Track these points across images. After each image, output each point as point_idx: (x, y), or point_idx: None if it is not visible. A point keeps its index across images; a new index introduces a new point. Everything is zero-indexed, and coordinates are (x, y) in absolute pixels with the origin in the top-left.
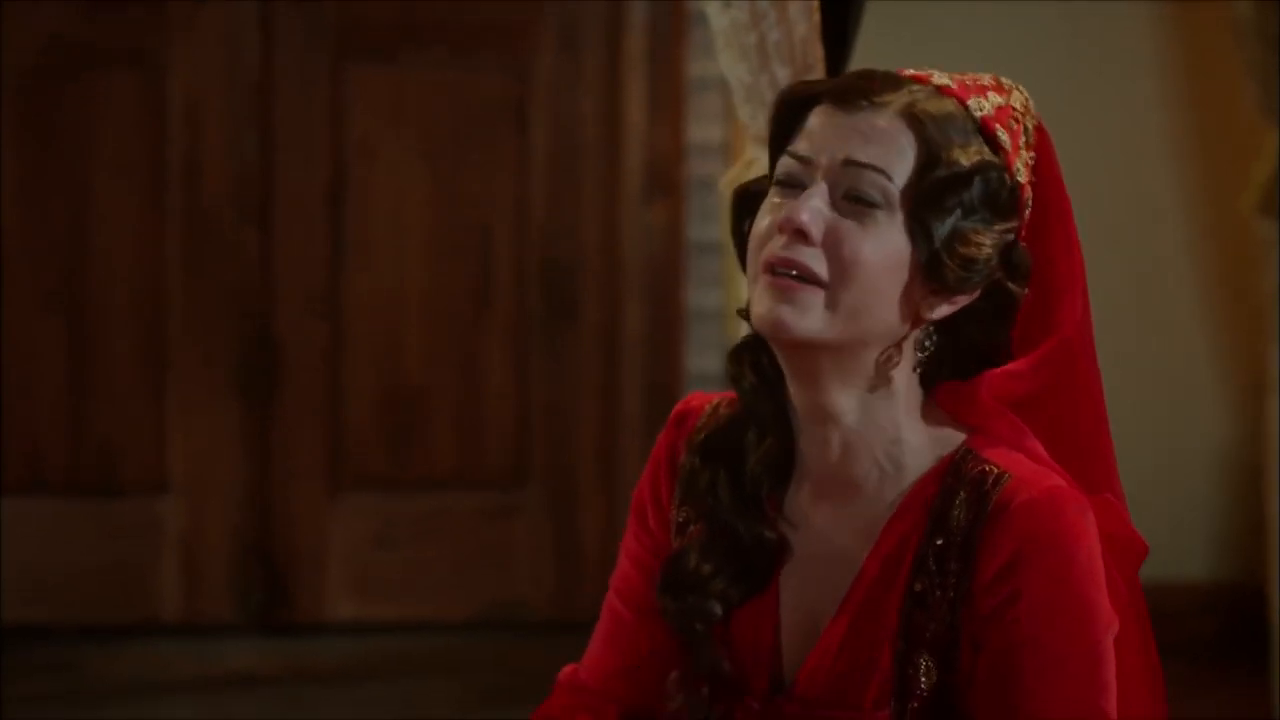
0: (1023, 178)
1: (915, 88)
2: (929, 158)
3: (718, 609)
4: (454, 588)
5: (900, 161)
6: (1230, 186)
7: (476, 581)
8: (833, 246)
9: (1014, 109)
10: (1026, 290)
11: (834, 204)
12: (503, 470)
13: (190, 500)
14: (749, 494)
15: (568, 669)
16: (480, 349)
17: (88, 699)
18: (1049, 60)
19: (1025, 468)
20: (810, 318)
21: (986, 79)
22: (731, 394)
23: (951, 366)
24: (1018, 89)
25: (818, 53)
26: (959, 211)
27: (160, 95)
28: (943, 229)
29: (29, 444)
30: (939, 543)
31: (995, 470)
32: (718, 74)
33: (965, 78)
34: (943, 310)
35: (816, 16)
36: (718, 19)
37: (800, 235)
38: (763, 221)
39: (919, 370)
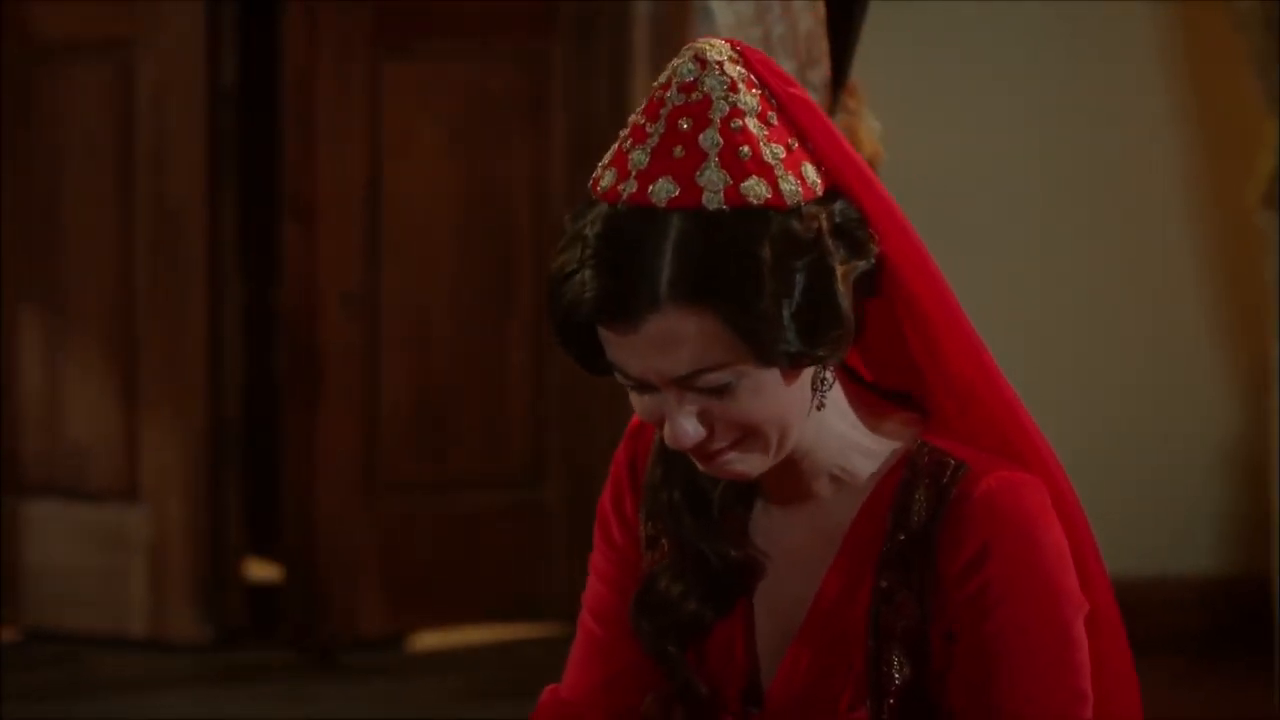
0: (795, 195)
1: (655, 252)
2: (727, 314)
3: (691, 630)
4: (479, 586)
5: (711, 341)
6: (1234, 180)
7: (501, 579)
8: (723, 421)
9: (724, 109)
10: (874, 238)
11: (693, 399)
12: (524, 467)
13: (156, 507)
14: (713, 515)
15: (549, 689)
16: (503, 344)
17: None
18: (1049, 57)
19: (981, 457)
20: (754, 463)
21: (682, 97)
22: None
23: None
24: (704, 67)
25: (822, 47)
26: (789, 308)
27: (130, 86)
28: (791, 337)
29: (14, 442)
30: (901, 538)
31: (952, 461)
32: None
33: (671, 134)
34: (835, 358)
35: (821, 10)
36: (723, 13)
37: (695, 447)
38: (636, 403)
39: (829, 383)
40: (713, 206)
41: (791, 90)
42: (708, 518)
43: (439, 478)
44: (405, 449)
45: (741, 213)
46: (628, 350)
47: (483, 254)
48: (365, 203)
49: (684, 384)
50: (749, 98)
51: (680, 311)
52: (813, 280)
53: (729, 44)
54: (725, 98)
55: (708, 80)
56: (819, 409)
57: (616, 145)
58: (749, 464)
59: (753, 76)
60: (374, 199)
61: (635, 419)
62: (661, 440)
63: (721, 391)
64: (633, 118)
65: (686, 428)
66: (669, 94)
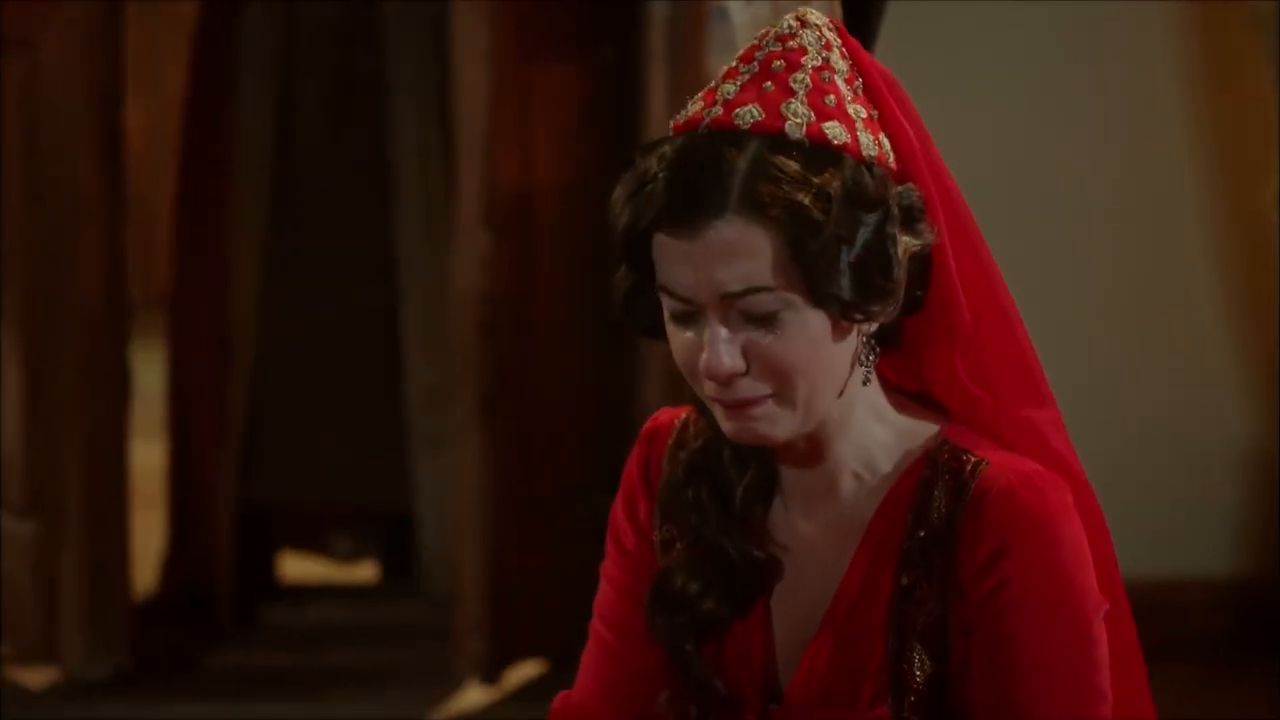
0: (871, 150)
1: (731, 165)
2: (791, 237)
3: (708, 627)
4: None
5: (769, 261)
6: (1250, 180)
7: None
8: (759, 362)
9: (817, 60)
10: (935, 229)
11: (737, 326)
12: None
13: (49, 529)
14: (736, 512)
15: (561, 695)
16: (584, 357)
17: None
18: (1067, 57)
19: (1001, 454)
20: (779, 424)
21: (779, 45)
22: None
23: (892, 332)
24: (804, 25)
25: None
26: (847, 254)
27: (33, 90)
28: (845, 283)
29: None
30: (921, 534)
31: (972, 458)
32: None
33: (763, 73)
34: (879, 320)
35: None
36: (739, 15)
37: (729, 378)
38: (676, 341)
39: (872, 360)
40: (794, 135)
41: (878, 70)
42: (731, 514)
43: (541, 492)
44: (540, 463)
45: (820, 148)
46: (684, 261)
47: (571, 259)
48: (518, 211)
49: (732, 303)
50: (840, 62)
51: (744, 223)
52: (875, 237)
53: (829, 19)
54: (819, 52)
55: (806, 35)
56: (854, 387)
57: (707, 86)
58: (774, 424)
59: (844, 48)
60: (524, 207)
61: (647, 425)
62: (678, 441)
63: (767, 322)
64: (727, 65)
65: (724, 356)
66: (766, 41)
